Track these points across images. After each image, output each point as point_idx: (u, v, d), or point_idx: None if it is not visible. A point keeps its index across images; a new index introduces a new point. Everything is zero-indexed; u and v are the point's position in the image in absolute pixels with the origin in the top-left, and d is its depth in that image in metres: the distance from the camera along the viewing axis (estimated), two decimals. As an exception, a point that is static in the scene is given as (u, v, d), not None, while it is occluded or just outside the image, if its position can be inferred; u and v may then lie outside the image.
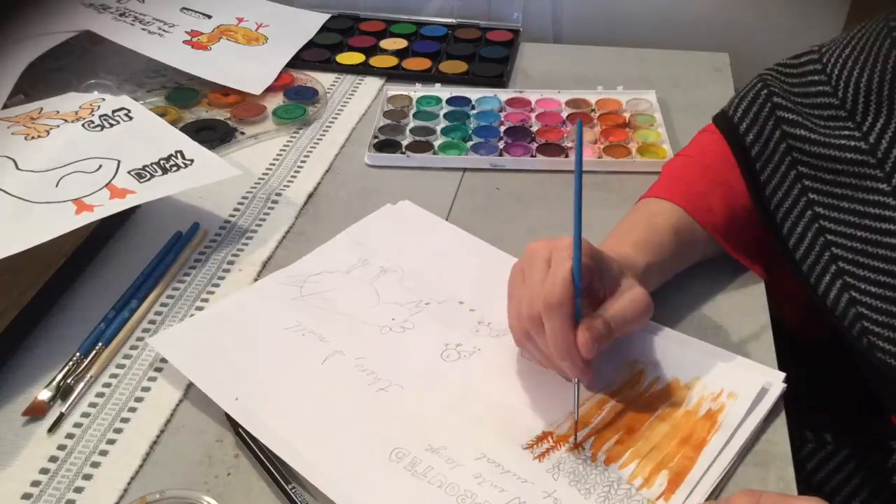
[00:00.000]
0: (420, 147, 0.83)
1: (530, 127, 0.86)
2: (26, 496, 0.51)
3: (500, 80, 0.95)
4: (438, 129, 0.86)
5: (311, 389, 0.57)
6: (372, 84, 0.95)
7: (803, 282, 0.62)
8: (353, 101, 0.92)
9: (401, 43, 1.02)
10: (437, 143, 0.84)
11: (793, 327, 0.72)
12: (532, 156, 0.82)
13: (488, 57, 0.99)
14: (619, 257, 0.57)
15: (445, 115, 0.88)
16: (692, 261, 0.66)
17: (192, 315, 0.64)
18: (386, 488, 0.51)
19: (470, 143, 0.83)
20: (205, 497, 0.42)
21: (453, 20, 1.07)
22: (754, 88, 0.67)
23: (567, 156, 0.81)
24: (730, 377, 0.57)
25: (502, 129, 0.86)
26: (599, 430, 0.54)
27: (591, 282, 0.54)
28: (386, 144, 0.84)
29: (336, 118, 0.89)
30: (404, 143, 0.84)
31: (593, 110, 0.89)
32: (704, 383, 0.57)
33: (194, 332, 0.61)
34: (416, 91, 0.92)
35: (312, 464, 0.51)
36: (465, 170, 0.81)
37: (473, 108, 0.90)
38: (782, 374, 0.57)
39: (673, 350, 0.59)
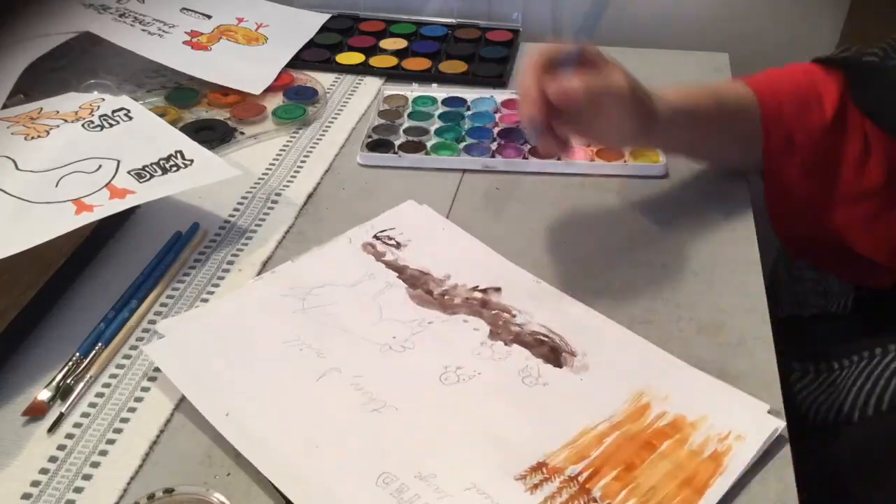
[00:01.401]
0: (412, 147, 0.83)
1: (524, 128, 0.86)
2: (26, 496, 0.51)
3: (500, 80, 0.95)
4: (432, 129, 0.86)
5: (305, 406, 0.56)
6: (372, 84, 0.95)
7: None
8: (353, 101, 0.92)
9: (401, 43, 1.02)
10: (429, 144, 0.83)
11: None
12: (524, 157, 0.82)
13: (488, 57, 0.99)
14: (650, 88, 0.65)
15: (440, 116, 0.88)
16: (727, 136, 0.71)
17: (196, 307, 0.64)
18: None
19: (463, 145, 0.83)
20: (215, 493, 0.42)
21: (453, 20, 1.07)
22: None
23: (559, 158, 0.81)
24: (740, 418, 0.54)
25: (496, 130, 0.86)
26: (597, 464, 0.52)
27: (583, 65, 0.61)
28: (379, 144, 0.84)
29: (336, 118, 0.89)
30: (397, 142, 0.84)
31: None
32: (712, 423, 0.54)
33: (190, 341, 0.60)
34: (413, 91, 0.92)
35: (298, 484, 0.50)
36: (464, 170, 0.81)
37: (469, 109, 0.90)
38: (782, 423, 0.54)
39: (682, 384, 0.57)
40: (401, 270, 0.68)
